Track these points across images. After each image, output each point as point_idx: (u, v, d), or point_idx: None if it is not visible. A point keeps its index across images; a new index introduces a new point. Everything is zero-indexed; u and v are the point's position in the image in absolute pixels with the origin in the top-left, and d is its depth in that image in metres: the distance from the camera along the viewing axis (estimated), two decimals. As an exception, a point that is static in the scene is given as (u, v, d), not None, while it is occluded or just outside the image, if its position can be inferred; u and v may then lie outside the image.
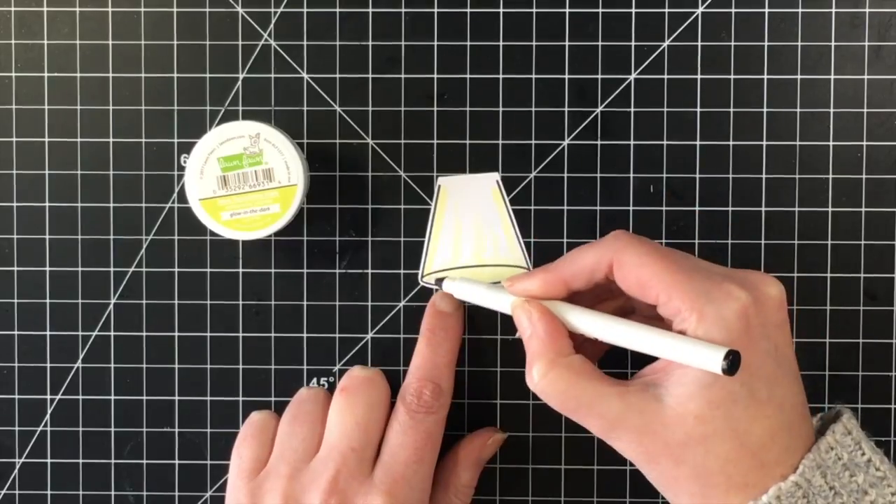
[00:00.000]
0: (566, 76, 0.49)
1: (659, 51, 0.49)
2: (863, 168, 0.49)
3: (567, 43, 0.49)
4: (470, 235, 0.49)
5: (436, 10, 0.49)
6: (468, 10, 0.49)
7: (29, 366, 0.50)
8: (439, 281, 0.48)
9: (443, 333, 0.47)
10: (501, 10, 0.49)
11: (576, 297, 0.43)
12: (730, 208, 0.49)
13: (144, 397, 0.50)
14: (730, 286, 0.39)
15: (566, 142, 0.49)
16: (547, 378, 0.41)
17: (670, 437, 0.39)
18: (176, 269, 0.49)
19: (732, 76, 0.49)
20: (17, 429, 0.50)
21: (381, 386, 0.47)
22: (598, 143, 0.49)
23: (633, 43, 0.49)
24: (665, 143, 0.49)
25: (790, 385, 0.40)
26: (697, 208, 0.49)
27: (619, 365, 0.49)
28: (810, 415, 0.41)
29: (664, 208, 0.49)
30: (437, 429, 0.46)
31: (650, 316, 0.42)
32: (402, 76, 0.49)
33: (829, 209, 0.49)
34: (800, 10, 0.49)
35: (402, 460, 0.45)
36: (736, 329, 0.38)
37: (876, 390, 0.49)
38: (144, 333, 0.50)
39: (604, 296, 0.44)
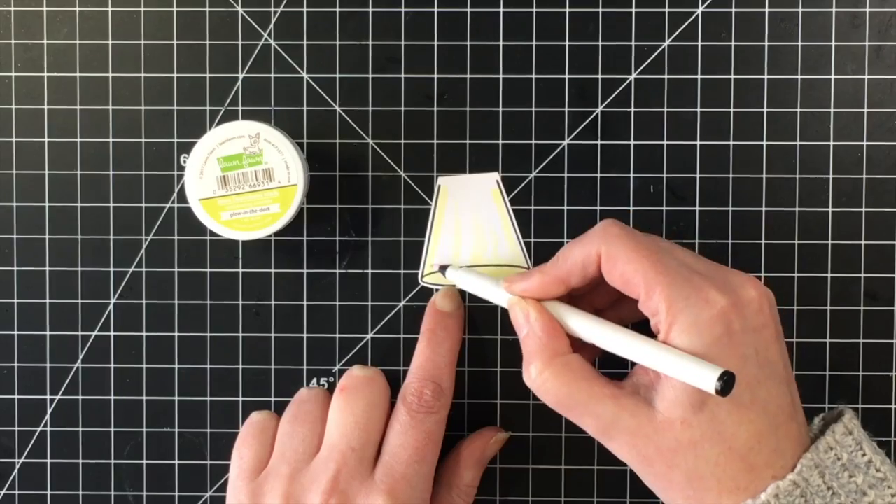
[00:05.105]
0: (566, 76, 0.49)
1: (659, 51, 0.49)
2: (863, 168, 0.49)
3: (567, 43, 0.49)
4: (470, 235, 0.49)
5: (436, 10, 0.49)
6: (468, 9, 0.49)
7: (29, 366, 0.50)
8: (443, 268, 0.48)
9: (443, 333, 0.47)
10: (501, 10, 0.49)
11: (580, 297, 0.43)
12: (730, 208, 0.49)
13: (144, 397, 0.50)
14: (709, 291, 0.39)
15: (566, 142, 0.49)
16: (543, 376, 0.41)
17: (661, 442, 0.39)
18: (176, 269, 0.49)
19: (732, 76, 0.49)
20: (16, 429, 0.50)
21: (381, 385, 0.47)
22: (598, 143, 0.49)
23: (633, 43, 0.49)
24: (665, 143, 0.49)
25: (775, 387, 0.40)
26: (697, 208, 0.49)
27: (621, 365, 0.48)
28: (803, 415, 0.41)
29: (664, 208, 0.49)
30: (437, 428, 0.46)
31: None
32: (402, 76, 0.49)
33: (829, 209, 0.49)
34: (800, 10, 0.49)
35: (403, 460, 0.45)
36: (712, 335, 0.38)
37: (876, 390, 0.49)
38: (144, 333, 0.50)
39: (608, 290, 0.44)
